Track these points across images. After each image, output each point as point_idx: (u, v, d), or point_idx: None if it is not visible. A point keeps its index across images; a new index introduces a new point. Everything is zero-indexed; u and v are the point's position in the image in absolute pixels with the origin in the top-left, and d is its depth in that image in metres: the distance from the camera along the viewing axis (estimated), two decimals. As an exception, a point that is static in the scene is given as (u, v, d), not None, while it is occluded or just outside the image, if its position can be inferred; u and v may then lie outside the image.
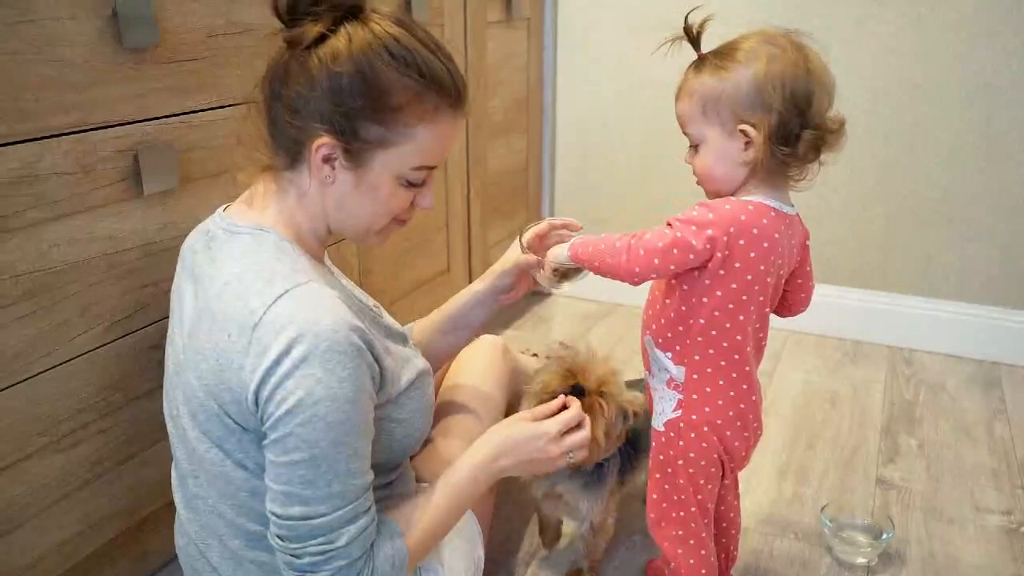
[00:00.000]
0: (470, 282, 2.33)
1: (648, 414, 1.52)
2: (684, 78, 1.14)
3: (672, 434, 1.19)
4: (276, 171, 1.02)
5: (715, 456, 1.18)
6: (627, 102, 2.55)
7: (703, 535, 1.22)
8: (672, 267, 1.08)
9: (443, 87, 0.99)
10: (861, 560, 1.50)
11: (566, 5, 2.55)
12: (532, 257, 1.23)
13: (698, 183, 1.17)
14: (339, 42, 0.95)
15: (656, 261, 1.07)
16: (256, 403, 0.91)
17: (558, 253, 1.19)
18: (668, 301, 1.14)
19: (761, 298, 1.12)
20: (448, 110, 1.01)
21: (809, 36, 1.10)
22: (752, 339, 1.14)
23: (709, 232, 1.05)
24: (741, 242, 1.06)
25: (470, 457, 1.11)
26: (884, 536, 1.49)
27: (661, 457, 1.21)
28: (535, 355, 2.25)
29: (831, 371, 2.26)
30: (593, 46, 2.55)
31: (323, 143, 0.96)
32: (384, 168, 0.99)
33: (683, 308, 1.12)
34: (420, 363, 1.13)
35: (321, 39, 0.95)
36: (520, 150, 2.54)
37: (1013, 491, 1.72)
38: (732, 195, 1.11)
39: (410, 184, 1.02)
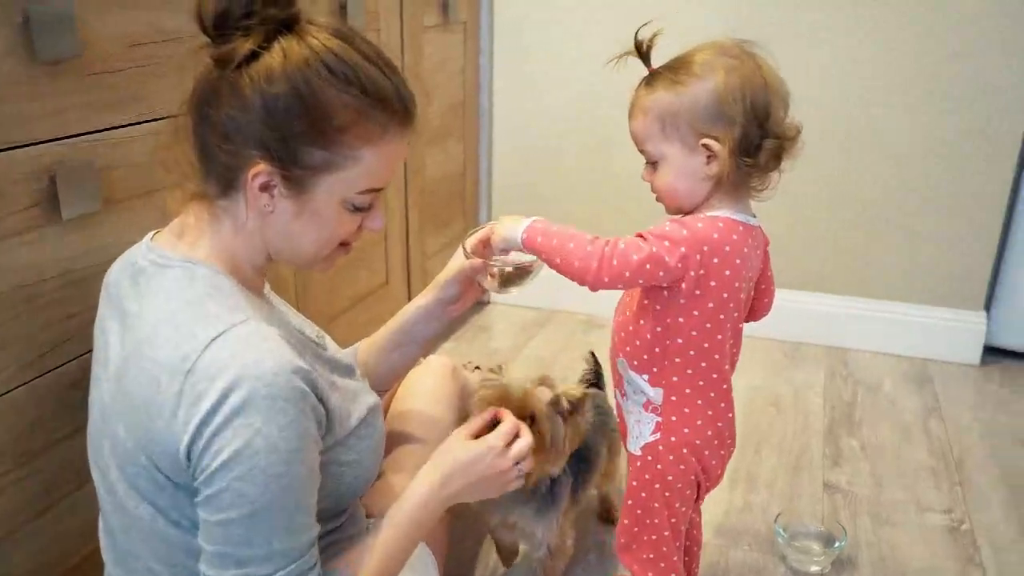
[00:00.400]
0: (409, 294, 2.30)
1: (602, 428, 1.50)
2: (636, 95, 1.11)
3: (650, 458, 1.16)
4: (208, 199, 0.94)
5: (692, 478, 1.16)
6: (566, 106, 2.52)
7: (674, 558, 1.20)
8: (641, 281, 1.05)
9: (389, 104, 0.92)
10: (815, 568, 1.50)
11: (503, 9, 2.51)
12: (477, 261, 1.18)
13: (657, 200, 1.14)
14: (273, 59, 0.86)
15: (627, 274, 1.03)
16: (189, 457, 0.83)
17: (508, 235, 1.11)
18: (642, 322, 1.11)
19: (736, 314, 1.10)
20: (396, 128, 0.94)
21: (759, 46, 1.09)
22: (728, 355, 1.13)
23: (682, 250, 1.03)
24: (715, 260, 1.04)
25: (417, 488, 1.04)
26: (837, 544, 1.50)
27: (635, 482, 1.18)
28: (477, 367, 2.21)
29: (773, 374, 2.28)
30: (530, 49, 2.51)
31: (260, 171, 0.88)
32: (329, 194, 0.92)
33: (658, 329, 1.09)
34: (370, 398, 1.07)
35: (253, 56, 0.87)
36: (457, 156, 2.49)
37: (952, 488, 1.76)
38: (695, 210, 1.09)
39: (357, 208, 0.96)
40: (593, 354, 1.65)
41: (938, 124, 2.20)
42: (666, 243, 1.03)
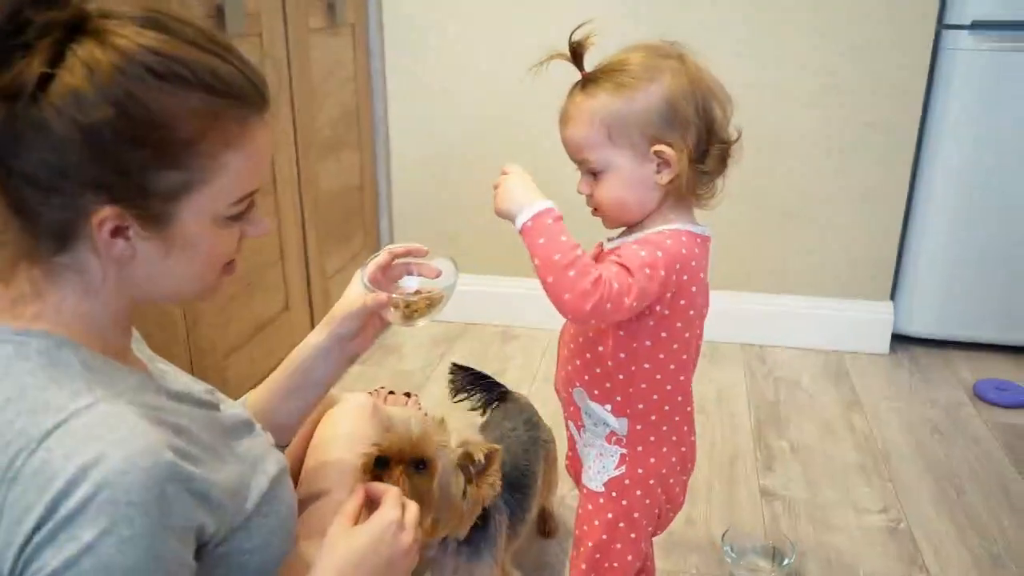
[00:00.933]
0: (312, 320, 2.12)
1: (534, 444, 1.39)
2: (572, 101, 1.01)
3: (614, 494, 1.06)
4: (42, 259, 0.76)
5: (656, 511, 1.08)
6: (466, 110, 2.40)
7: None
8: (622, 317, 0.96)
9: (241, 94, 0.75)
10: (764, 585, 1.45)
11: (392, 8, 2.35)
12: (380, 295, 1.04)
13: (594, 213, 1.04)
14: (75, 77, 0.68)
15: (616, 316, 0.94)
16: None
17: (507, 210, 1.00)
18: (601, 348, 1.02)
19: (699, 331, 1.02)
20: (256, 119, 0.78)
21: (685, 47, 1.01)
22: (691, 373, 1.04)
23: (661, 274, 0.94)
24: (685, 277, 0.97)
25: None
26: (786, 561, 1.45)
27: (596, 522, 1.08)
28: (391, 392, 2.06)
29: (696, 376, 2.23)
30: (424, 51, 2.37)
31: (106, 216, 0.71)
32: (197, 216, 0.76)
33: (622, 355, 1.00)
34: (272, 466, 0.89)
35: (47, 79, 0.67)
36: (353, 167, 2.33)
37: (883, 485, 1.75)
38: (641, 223, 1.00)
39: (233, 220, 0.80)
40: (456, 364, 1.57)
41: (837, 118, 2.21)
42: (647, 271, 0.94)
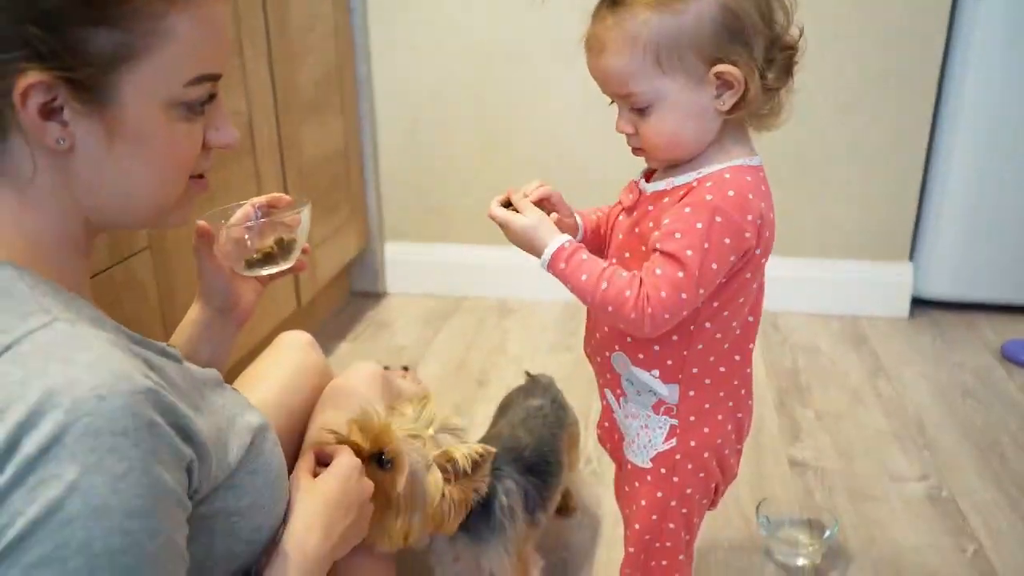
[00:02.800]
0: (297, 292, 1.97)
1: (558, 425, 1.26)
2: (602, 24, 0.83)
3: (663, 470, 0.92)
4: None
5: (712, 485, 0.94)
6: (457, 69, 2.24)
7: None
8: (692, 309, 0.84)
9: None
10: (803, 561, 1.32)
11: (374, -41, 2.20)
12: (202, 224, 0.89)
13: (638, 152, 0.88)
14: None
15: (678, 316, 0.83)
16: None
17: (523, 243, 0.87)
18: None
19: (762, 280, 0.88)
20: None
21: None
22: (754, 330, 0.91)
23: (726, 242, 0.81)
24: (759, 222, 0.83)
25: (294, 551, 0.77)
26: (827, 533, 1.32)
27: (644, 502, 0.94)
28: (386, 367, 1.92)
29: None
30: (411, 7, 2.22)
31: (30, 84, 0.59)
32: (143, 96, 0.63)
33: None
34: (253, 417, 0.77)
35: None
36: (337, 132, 2.17)
37: (920, 452, 1.63)
38: (695, 159, 0.85)
39: (191, 110, 0.67)
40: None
41: (850, 70, 2.08)
42: (704, 246, 0.80)
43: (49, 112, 0.61)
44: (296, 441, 1.10)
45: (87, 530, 0.53)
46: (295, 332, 1.26)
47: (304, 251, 0.95)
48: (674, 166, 0.87)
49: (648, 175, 0.91)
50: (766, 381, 1.92)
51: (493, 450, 1.00)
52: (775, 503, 1.39)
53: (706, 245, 0.79)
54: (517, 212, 0.87)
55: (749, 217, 0.81)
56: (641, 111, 0.83)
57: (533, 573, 1.15)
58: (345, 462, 0.87)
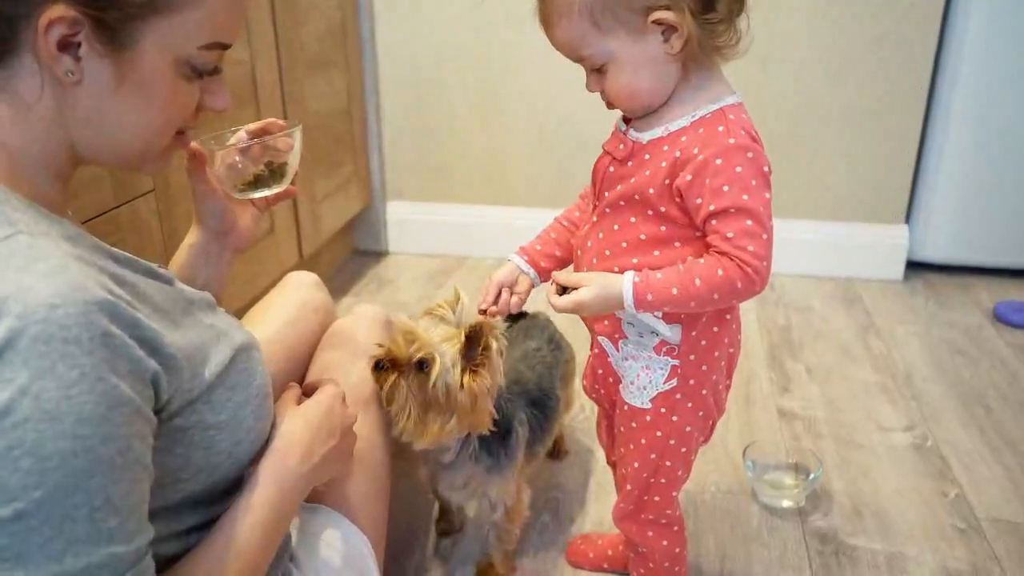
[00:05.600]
0: (300, 245, 2.01)
1: (556, 364, 1.29)
2: None
3: (663, 410, 0.95)
4: None
5: (709, 422, 0.97)
6: (461, 29, 2.26)
7: (679, 513, 1.01)
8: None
9: None
10: (787, 503, 1.36)
11: (378, -84, 2.21)
12: (191, 144, 0.88)
13: (610, 106, 0.90)
14: None
15: (769, 260, 0.84)
16: None
17: (606, 300, 0.87)
18: (657, 253, 0.88)
19: None
20: None
21: None
22: None
23: (766, 169, 0.83)
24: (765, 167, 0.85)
25: (275, 465, 0.80)
26: (812, 475, 1.36)
27: (644, 440, 0.97)
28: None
29: (701, 304, 2.14)
30: (414, -35, 2.23)
31: (58, 17, 0.60)
32: (160, 50, 0.66)
33: (691, 257, 0.86)
34: (238, 336, 0.79)
35: None
36: (341, 88, 2.19)
37: (907, 404, 1.67)
38: (683, 102, 0.86)
39: (196, 73, 0.70)
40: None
41: (849, 29, 2.09)
42: (766, 195, 0.83)
43: (66, 45, 0.62)
44: (294, 373, 1.13)
45: (38, 432, 0.55)
46: (301, 272, 1.28)
47: (296, 174, 0.97)
48: (657, 112, 0.88)
49: (628, 120, 0.92)
50: (758, 337, 1.95)
51: (482, 321, 1.02)
52: (762, 448, 1.43)
53: (754, 182, 0.81)
54: (575, 289, 0.89)
55: (761, 148, 0.84)
56: (599, 70, 0.85)
57: (523, 500, 1.19)
58: (329, 390, 0.89)
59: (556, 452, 1.49)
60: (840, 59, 2.11)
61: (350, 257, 2.46)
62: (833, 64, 2.12)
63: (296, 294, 1.22)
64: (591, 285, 0.87)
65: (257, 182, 0.94)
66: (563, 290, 0.90)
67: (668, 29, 0.81)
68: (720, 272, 0.81)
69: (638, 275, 0.85)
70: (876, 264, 2.27)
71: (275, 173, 0.93)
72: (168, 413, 0.68)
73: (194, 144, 0.90)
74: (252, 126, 0.97)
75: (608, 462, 1.17)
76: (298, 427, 0.84)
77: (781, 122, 2.18)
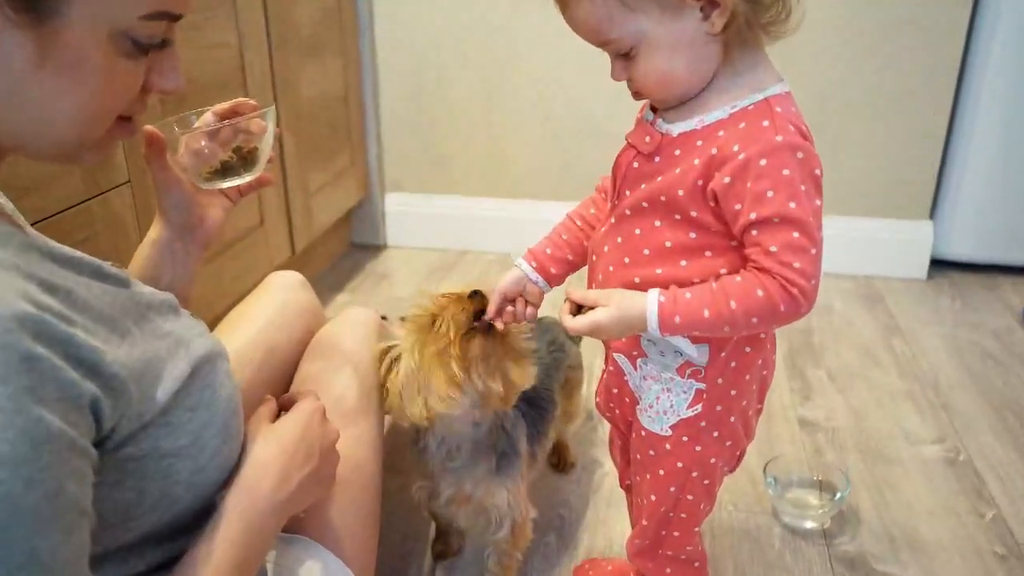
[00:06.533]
0: (292, 238, 1.90)
1: (556, 366, 1.21)
2: None
3: (685, 438, 0.84)
4: None
5: (737, 452, 0.87)
6: (461, 13, 2.15)
7: (701, 548, 0.91)
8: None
9: None
10: (811, 524, 1.26)
11: None
12: (149, 128, 0.80)
13: (637, 96, 0.79)
14: None
15: (818, 275, 0.74)
16: None
17: (628, 323, 0.77)
18: (685, 263, 0.77)
19: None
20: None
21: None
22: None
23: (816, 172, 0.73)
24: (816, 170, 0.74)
25: (244, 496, 0.70)
26: (838, 495, 1.26)
27: (662, 472, 0.87)
28: (384, 317, 1.85)
29: (715, 304, 2.04)
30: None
31: None
32: (91, 20, 0.55)
33: (723, 271, 0.76)
34: (201, 345, 0.69)
35: None
36: (336, 74, 2.08)
37: (936, 413, 1.56)
38: (722, 90, 0.75)
39: (138, 48, 0.59)
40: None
41: (872, 13, 1.97)
42: (817, 202, 0.72)
43: None
44: (275, 384, 1.04)
45: None
46: (285, 272, 1.19)
47: (269, 160, 0.86)
48: (690, 101, 0.77)
49: (656, 109, 0.81)
50: (776, 340, 1.84)
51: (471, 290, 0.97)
52: (784, 463, 1.33)
53: (803, 187, 0.70)
54: (590, 309, 0.79)
55: (812, 146, 0.73)
56: (627, 55, 0.74)
57: (529, 516, 1.10)
58: (307, 406, 0.80)
59: (562, 464, 1.40)
60: (863, 44, 1.99)
61: (346, 251, 2.36)
62: (856, 50, 2.00)
63: (278, 296, 1.13)
64: (610, 305, 0.76)
65: (225, 170, 0.84)
66: (578, 308, 0.80)
67: (708, 4, 0.70)
68: (760, 293, 0.70)
69: (664, 294, 0.74)
70: (899, 262, 2.16)
71: (246, 160, 0.83)
72: (114, 442, 0.59)
73: (150, 128, 0.80)
74: (220, 107, 0.86)
75: (621, 485, 1.07)
76: (271, 449, 0.75)
77: (803, 110, 2.06)
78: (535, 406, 1.13)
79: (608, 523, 1.27)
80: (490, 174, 2.29)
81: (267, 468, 0.72)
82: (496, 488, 1.06)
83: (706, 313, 0.72)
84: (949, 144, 2.09)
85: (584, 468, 1.40)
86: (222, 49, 1.54)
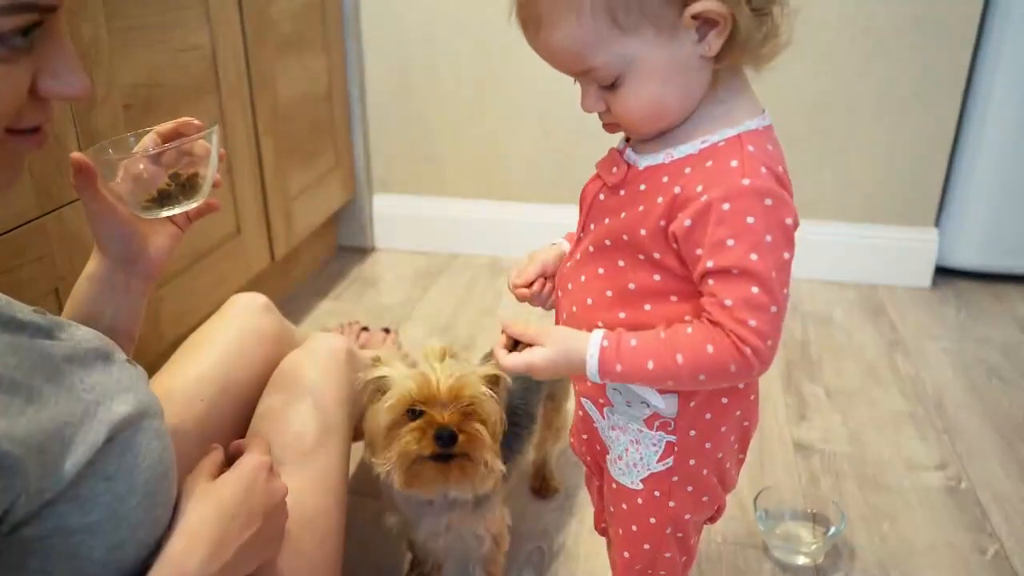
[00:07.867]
0: (271, 246, 1.83)
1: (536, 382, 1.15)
2: None
3: (657, 493, 0.78)
4: None
5: (714, 506, 0.80)
6: (451, 8, 2.06)
7: None
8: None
9: None
10: (803, 560, 1.19)
11: None
12: (76, 155, 0.73)
13: (612, 129, 0.71)
14: None
15: (778, 334, 0.65)
16: None
17: (563, 366, 0.70)
18: (649, 308, 0.70)
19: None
20: None
21: None
22: None
23: (788, 222, 0.65)
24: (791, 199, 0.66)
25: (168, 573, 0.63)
26: (832, 530, 1.19)
27: (635, 527, 0.80)
28: (364, 328, 1.79)
29: (710, 314, 1.96)
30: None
31: None
32: None
33: (688, 318, 0.69)
34: (123, 405, 0.61)
35: None
36: (319, 72, 2.01)
37: (939, 438, 1.49)
38: (684, 120, 0.67)
39: (5, 46, 0.51)
40: None
41: (878, 12, 1.88)
42: (785, 255, 0.64)
43: None
44: (235, 415, 0.97)
45: None
46: (249, 294, 1.13)
47: (215, 185, 0.79)
48: (663, 133, 0.69)
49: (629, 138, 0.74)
50: (759, 385, 1.77)
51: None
52: (776, 493, 1.26)
53: (768, 238, 0.62)
54: (528, 346, 0.71)
55: (787, 193, 0.65)
56: (610, 85, 0.66)
57: (506, 523, 1.07)
58: (249, 462, 0.73)
59: (544, 489, 1.33)
60: (869, 44, 1.91)
61: (333, 255, 2.29)
62: (862, 49, 1.92)
63: (238, 321, 1.06)
64: (548, 345, 0.69)
65: (165, 197, 0.77)
66: (514, 344, 0.72)
67: (705, 24, 0.62)
68: (710, 349, 0.63)
69: (608, 337, 0.67)
70: (902, 270, 2.08)
71: (184, 187, 0.77)
72: (9, 524, 0.52)
73: (77, 155, 0.73)
74: (163, 127, 0.80)
75: (596, 528, 1.00)
76: (208, 514, 0.68)
77: (802, 113, 1.99)
78: (509, 423, 1.07)
79: (592, 558, 1.21)
80: (481, 175, 2.22)
81: (198, 538, 0.66)
82: (475, 521, 1.02)
83: (650, 365, 0.66)
84: (956, 148, 2.00)
85: (567, 495, 1.34)
86: (194, 51, 1.46)
